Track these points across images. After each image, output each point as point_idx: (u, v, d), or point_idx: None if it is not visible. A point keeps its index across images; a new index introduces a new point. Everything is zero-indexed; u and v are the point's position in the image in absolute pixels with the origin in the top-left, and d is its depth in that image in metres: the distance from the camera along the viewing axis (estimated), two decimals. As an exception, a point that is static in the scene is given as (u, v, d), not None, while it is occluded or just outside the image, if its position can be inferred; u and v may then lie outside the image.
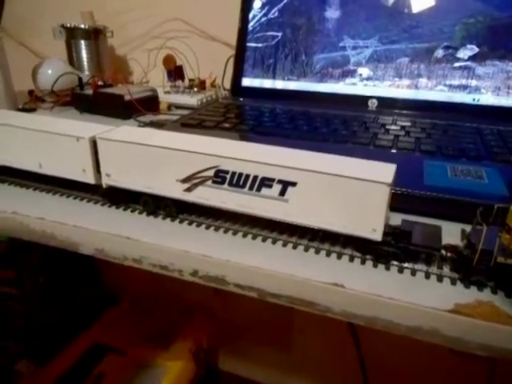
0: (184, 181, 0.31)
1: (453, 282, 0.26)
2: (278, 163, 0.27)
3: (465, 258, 0.26)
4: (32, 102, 0.70)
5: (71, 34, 0.80)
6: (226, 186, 0.29)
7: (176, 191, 0.31)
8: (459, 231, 0.29)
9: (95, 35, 0.81)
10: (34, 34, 0.95)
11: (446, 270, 0.27)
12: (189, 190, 0.31)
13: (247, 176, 0.28)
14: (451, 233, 0.29)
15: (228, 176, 0.29)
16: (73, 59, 0.82)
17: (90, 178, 0.34)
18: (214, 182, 0.30)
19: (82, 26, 0.79)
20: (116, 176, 0.33)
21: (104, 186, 0.34)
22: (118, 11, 0.88)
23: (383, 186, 0.25)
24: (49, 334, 1.00)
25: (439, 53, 0.54)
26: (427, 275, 0.26)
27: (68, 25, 0.79)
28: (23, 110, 0.66)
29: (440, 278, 0.26)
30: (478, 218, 0.26)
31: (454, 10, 0.54)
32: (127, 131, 0.34)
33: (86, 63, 0.82)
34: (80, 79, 0.67)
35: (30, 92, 0.74)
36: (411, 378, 0.82)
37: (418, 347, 0.72)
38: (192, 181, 0.30)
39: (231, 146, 0.31)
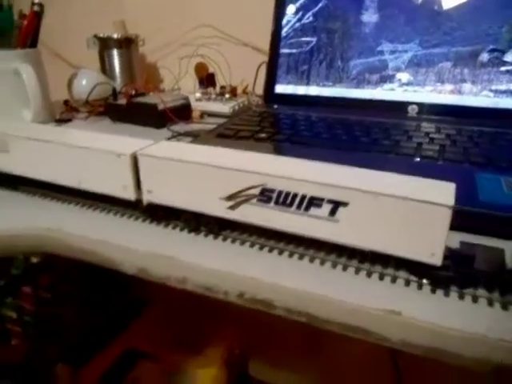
0: (228, 199, 0.30)
1: (519, 310, 0.24)
2: (328, 182, 0.26)
3: (533, 284, 0.24)
4: (68, 112, 0.71)
5: (104, 44, 0.81)
6: (272, 204, 0.28)
7: (219, 209, 0.30)
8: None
9: (127, 44, 0.82)
10: (68, 44, 0.97)
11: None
12: (232, 208, 0.30)
13: (295, 195, 0.27)
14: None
15: (274, 195, 0.28)
16: (105, 68, 0.82)
17: (130, 195, 0.34)
18: (259, 200, 0.29)
19: (115, 36, 0.80)
20: (157, 193, 0.33)
21: (145, 202, 0.34)
22: (149, 19, 0.88)
23: (445, 208, 0.23)
24: (83, 339, 1.01)
25: (484, 56, 0.52)
26: (490, 302, 0.25)
27: (101, 35, 0.80)
28: (60, 120, 0.67)
29: (505, 306, 0.24)
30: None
31: (500, 10, 0.51)
32: (168, 146, 0.34)
33: (118, 72, 0.82)
34: (114, 89, 0.68)
35: (66, 102, 0.75)
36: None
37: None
38: (236, 199, 0.29)
39: (277, 162, 0.30)
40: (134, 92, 0.69)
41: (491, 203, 0.31)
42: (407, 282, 0.26)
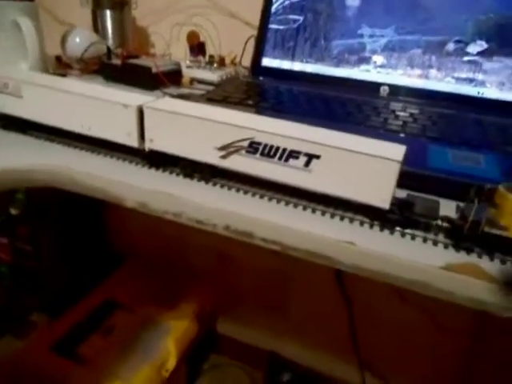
0: (221, 149, 0.35)
1: (446, 247, 0.31)
2: (306, 138, 0.32)
3: (457, 227, 0.31)
4: (61, 67, 0.73)
5: (97, 3, 0.83)
6: (258, 155, 0.34)
7: (213, 158, 0.36)
8: (455, 207, 0.34)
9: (120, 6, 0.84)
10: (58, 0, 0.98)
11: (441, 237, 0.32)
12: (224, 157, 0.35)
13: (277, 148, 0.33)
14: (448, 208, 0.34)
15: (260, 147, 0.34)
16: (98, 29, 0.84)
17: (133, 142, 0.39)
18: (247, 151, 0.34)
19: (109, -4, 0.82)
20: (158, 141, 0.38)
21: (146, 149, 0.39)
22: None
23: (395, 162, 0.29)
24: (61, 290, 1.06)
25: (450, 46, 0.58)
26: (425, 240, 0.32)
27: (95, -6, 0.82)
28: (54, 74, 0.69)
29: (435, 243, 0.31)
30: (471, 195, 0.31)
31: (468, 6, 0.58)
32: (170, 102, 0.39)
33: (110, 33, 0.84)
34: (108, 49, 0.71)
35: (58, 58, 0.77)
36: (399, 346, 0.89)
37: (405, 315, 0.79)
38: (228, 149, 0.35)
39: (264, 120, 0.36)
40: (125, 54, 0.72)
41: (436, 168, 0.38)
42: (361, 223, 0.33)
